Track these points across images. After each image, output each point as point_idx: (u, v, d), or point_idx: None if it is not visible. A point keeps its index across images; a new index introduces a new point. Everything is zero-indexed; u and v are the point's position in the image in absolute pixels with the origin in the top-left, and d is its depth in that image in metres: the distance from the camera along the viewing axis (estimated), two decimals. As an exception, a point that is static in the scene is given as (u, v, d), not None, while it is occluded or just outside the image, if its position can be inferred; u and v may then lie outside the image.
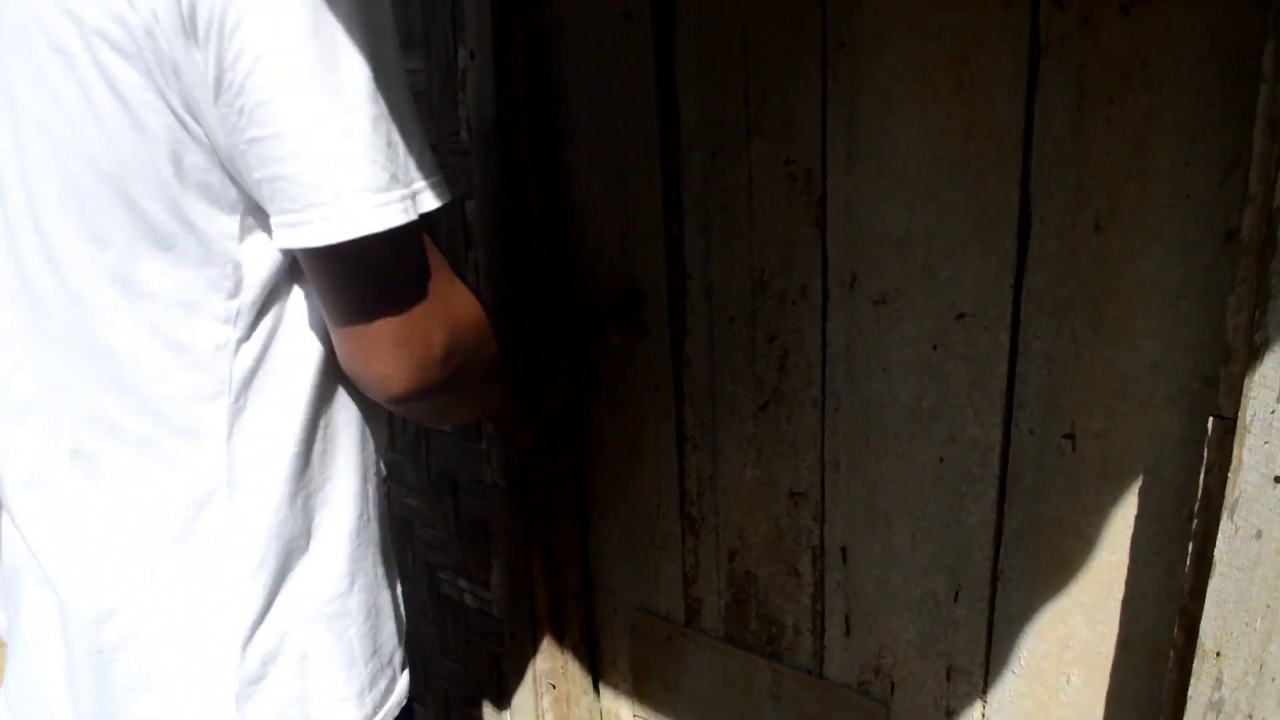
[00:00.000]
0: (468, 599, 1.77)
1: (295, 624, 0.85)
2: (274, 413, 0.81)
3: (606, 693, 1.70)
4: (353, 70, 0.70)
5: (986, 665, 1.20)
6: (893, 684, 1.29)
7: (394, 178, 0.72)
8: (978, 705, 1.22)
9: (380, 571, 0.92)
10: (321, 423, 0.85)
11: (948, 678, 1.23)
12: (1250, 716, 0.89)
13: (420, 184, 0.75)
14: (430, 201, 0.75)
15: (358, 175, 0.70)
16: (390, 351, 0.75)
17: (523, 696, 1.71)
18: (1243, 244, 0.84)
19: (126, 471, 0.80)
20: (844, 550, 1.28)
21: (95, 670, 0.82)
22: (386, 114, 0.72)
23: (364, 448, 0.89)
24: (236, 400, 0.79)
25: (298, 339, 0.82)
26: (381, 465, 0.93)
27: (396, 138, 0.73)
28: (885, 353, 1.16)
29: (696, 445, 1.40)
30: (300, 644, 0.85)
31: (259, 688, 0.83)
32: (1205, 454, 0.90)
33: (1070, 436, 1.06)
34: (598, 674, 1.71)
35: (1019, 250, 1.03)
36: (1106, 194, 0.97)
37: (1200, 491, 0.91)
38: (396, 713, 0.94)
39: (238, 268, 0.77)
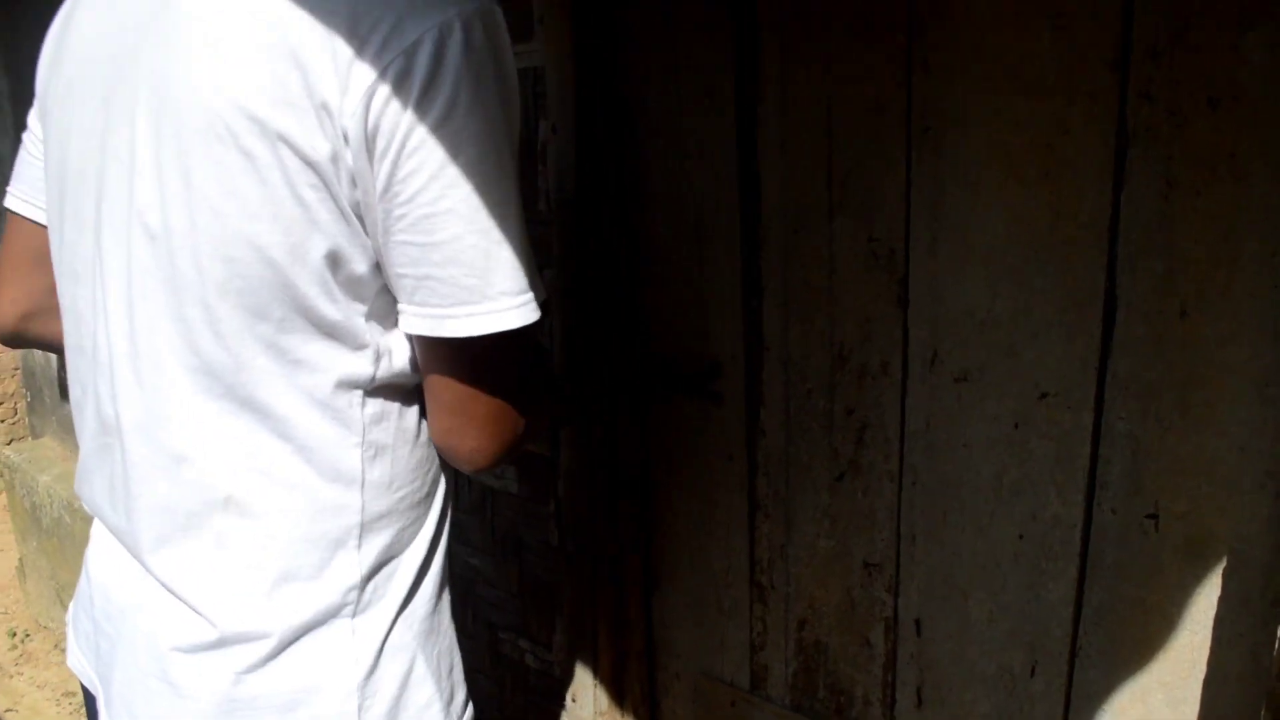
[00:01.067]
0: (529, 659, 1.78)
1: (404, 643, 0.95)
2: (393, 462, 0.92)
3: (665, 757, 1.71)
4: (505, 191, 0.81)
5: (1064, 742, 1.20)
6: (965, 758, 1.30)
7: (527, 284, 0.83)
8: (1054, 782, 1.22)
9: (449, 600, 1.03)
10: (423, 470, 0.96)
11: (1023, 753, 1.24)
12: (1346, 805, 0.89)
13: (535, 289, 0.85)
14: (539, 301, 0.86)
15: (502, 281, 0.81)
16: (486, 431, 0.87)
17: (581, 758, 1.71)
18: (1334, 335, 0.86)
19: (277, 514, 0.88)
20: (918, 622, 1.29)
21: (229, 693, 0.89)
22: (523, 225, 0.84)
23: (445, 493, 1.01)
24: (366, 449, 0.89)
25: (409, 403, 0.93)
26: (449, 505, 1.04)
27: (526, 247, 0.84)
28: (966, 429, 1.18)
29: (769, 514, 1.42)
30: (406, 661, 0.95)
31: (375, 700, 0.93)
32: (1295, 539, 0.91)
33: (1154, 516, 1.07)
34: (657, 738, 1.72)
35: (1104, 334, 1.06)
36: (1194, 282, 0.99)
37: (1290, 576, 0.92)
38: None
39: (370, 344, 0.87)
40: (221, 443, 0.86)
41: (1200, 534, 1.05)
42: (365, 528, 0.90)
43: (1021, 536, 1.17)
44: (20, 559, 3.61)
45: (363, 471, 0.89)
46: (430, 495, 0.97)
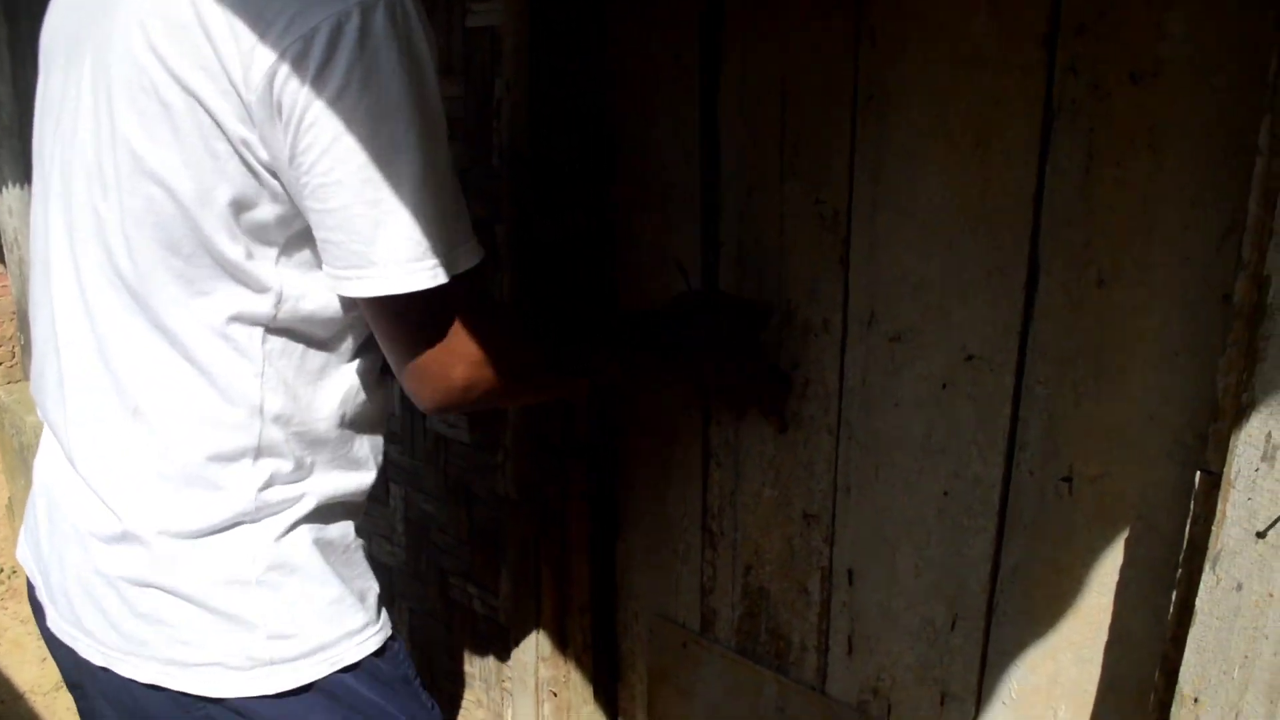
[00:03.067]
0: (476, 605, 1.84)
1: (303, 545, 1.04)
2: (294, 397, 1.00)
3: (623, 693, 1.77)
4: (402, 166, 0.87)
5: (979, 694, 1.25)
6: (889, 706, 1.34)
7: (428, 250, 0.90)
8: (969, 732, 1.27)
9: (355, 524, 1.12)
10: (330, 410, 1.03)
11: (941, 703, 1.29)
12: (1223, 761, 0.93)
13: (454, 250, 0.92)
14: (463, 263, 0.93)
15: (390, 249, 0.88)
16: (416, 379, 0.96)
17: (523, 702, 1.77)
18: (1235, 308, 0.89)
19: (178, 428, 0.97)
20: (850, 572, 1.34)
21: (138, 578, 0.99)
22: (430, 198, 0.89)
23: (372, 430, 1.10)
24: (266, 380, 0.98)
25: (315, 346, 1.01)
26: (380, 447, 1.12)
27: (435, 215, 0.90)
28: (898, 388, 1.22)
29: (720, 463, 1.47)
30: (305, 562, 1.04)
31: (276, 591, 1.02)
32: (1191, 506, 0.95)
33: (1068, 480, 1.11)
34: (616, 676, 1.77)
35: (1026, 300, 1.09)
36: (1111, 252, 1.02)
37: (1185, 542, 0.95)
38: (385, 636, 1.10)
39: (270, 285, 0.95)
40: (136, 358, 0.96)
41: (1111, 499, 1.09)
42: (261, 450, 0.99)
43: (946, 493, 1.21)
44: (10, 498, 3.70)
45: (262, 400, 0.98)
46: (344, 431, 1.05)
